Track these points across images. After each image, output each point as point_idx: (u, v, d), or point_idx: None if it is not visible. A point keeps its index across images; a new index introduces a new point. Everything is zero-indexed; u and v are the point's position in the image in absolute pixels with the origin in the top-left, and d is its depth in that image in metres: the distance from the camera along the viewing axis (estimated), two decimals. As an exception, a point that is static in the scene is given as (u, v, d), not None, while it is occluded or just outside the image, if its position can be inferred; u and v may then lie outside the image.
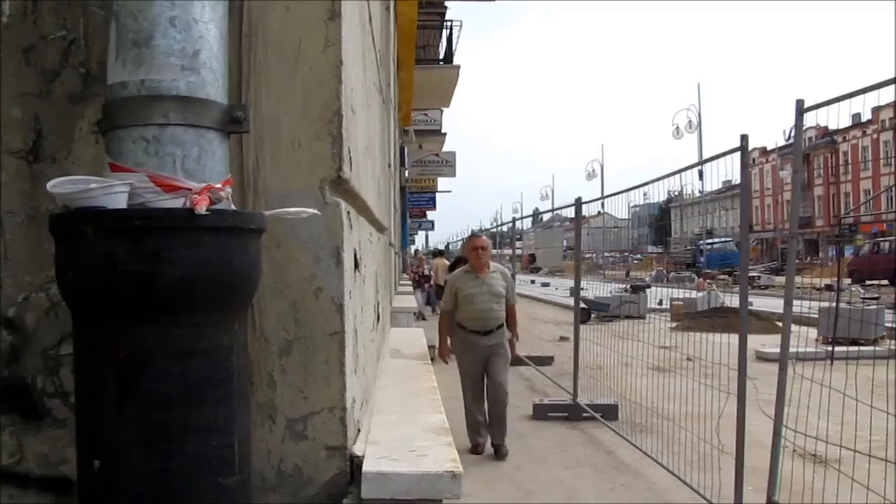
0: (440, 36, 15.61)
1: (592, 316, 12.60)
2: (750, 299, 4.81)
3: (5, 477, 1.54)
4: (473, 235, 7.32)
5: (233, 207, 1.30)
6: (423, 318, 16.84)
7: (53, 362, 1.55)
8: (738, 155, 4.56)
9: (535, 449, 6.06)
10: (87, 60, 1.55)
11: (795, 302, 4.30)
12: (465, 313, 6.11)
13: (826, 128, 46.76)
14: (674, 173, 6.11)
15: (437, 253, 24.96)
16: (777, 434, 4.10)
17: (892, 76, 3.50)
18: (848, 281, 16.62)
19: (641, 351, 6.94)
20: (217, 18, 1.25)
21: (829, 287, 11.62)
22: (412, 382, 2.91)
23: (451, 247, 26.57)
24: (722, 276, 24.96)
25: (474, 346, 6.08)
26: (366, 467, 1.60)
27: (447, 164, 21.13)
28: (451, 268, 12.04)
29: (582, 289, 8.52)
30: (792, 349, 4.19)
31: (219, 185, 1.20)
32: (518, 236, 18.49)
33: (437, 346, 6.20)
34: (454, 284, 6.26)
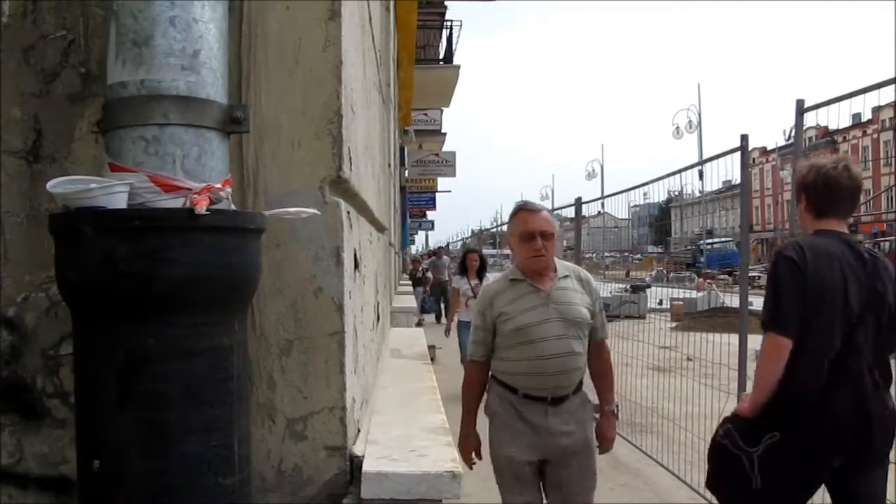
0: (440, 36, 15.62)
1: (592, 316, 12.57)
2: (750, 299, 4.81)
3: (5, 477, 1.54)
4: (523, 208, 3.13)
5: (233, 207, 1.30)
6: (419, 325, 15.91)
7: (53, 362, 1.55)
8: (738, 155, 4.56)
9: (535, 449, 6.05)
10: (87, 60, 1.55)
11: (795, 302, 4.29)
12: (514, 363, 2.93)
13: (826, 128, 46.62)
14: (674, 173, 6.10)
15: (432, 253, 22.87)
16: (777, 434, 4.10)
17: (892, 76, 3.50)
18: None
19: (641, 351, 6.93)
20: (217, 18, 1.25)
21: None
22: (412, 382, 2.91)
23: (450, 247, 26.25)
24: (722, 276, 24.96)
25: (530, 429, 2.89)
26: (366, 467, 1.60)
27: (447, 164, 21.11)
28: (461, 269, 8.70)
29: (582, 289, 8.50)
30: (792, 349, 4.18)
31: (219, 185, 1.20)
32: (518, 236, 18.30)
33: (460, 426, 3.02)
34: (490, 303, 2.99)
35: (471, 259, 8.62)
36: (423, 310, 17.53)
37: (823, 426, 2.37)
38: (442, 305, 17.14)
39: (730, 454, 2.51)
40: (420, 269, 18.55)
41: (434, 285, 17.92)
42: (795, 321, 2.40)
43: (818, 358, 2.41)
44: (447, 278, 16.69)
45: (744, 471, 2.45)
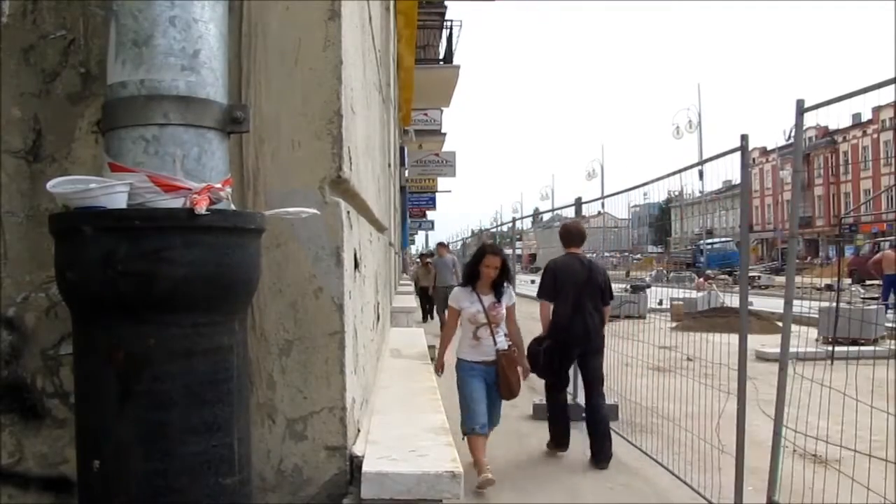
0: (440, 36, 15.61)
1: (592, 316, 12.55)
2: (750, 299, 4.80)
3: (5, 477, 1.54)
4: None
5: (233, 207, 1.30)
6: None
7: (53, 362, 1.55)
8: (738, 155, 4.55)
9: (535, 449, 6.05)
10: (87, 60, 1.55)
11: (795, 302, 4.29)
12: None
13: (826, 128, 46.78)
14: (674, 173, 6.10)
15: (428, 255, 19.49)
16: (777, 434, 4.09)
17: (892, 76, 3.50)
18: (848, 281, 16.64)
19: (641, 351, 6.92)
20: (217, 18, 1.25)
21: (829, 287, 11.63)
22: (412, 382, 2.91)
23: (450, 247, 25.82)
24: (722, 276, 24.96)
25: None
26: (366, 467, 1.60)
27: (447, 164, 21.10)
28: (470, 276, 5.04)
29: (582, 289, 8.50)
30: (792, 349, 4.18)
31: (219, 185, 1.20)
32: (518, 236, 18.10)
33: None
34: None
35: (488, 263, 4.98)
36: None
37: (569, 334, 5.53)
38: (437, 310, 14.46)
39: (533, 350, 5.52)
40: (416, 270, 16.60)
41: (434, 290, 14.64)
42: (550, 294, 5.65)
43: (564, 308, 5.55)
44: (454, 283, 13.73)
45: (538, 357, 5.49)
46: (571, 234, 5.90)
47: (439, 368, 5.04)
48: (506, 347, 4.96)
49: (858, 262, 25.87)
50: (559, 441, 5.78)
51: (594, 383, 5.67)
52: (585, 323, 5.52)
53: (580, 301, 5.51)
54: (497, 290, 5.01)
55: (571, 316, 5.49)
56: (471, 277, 5.09)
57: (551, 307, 5.62)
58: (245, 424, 1.25)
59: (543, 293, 5.71)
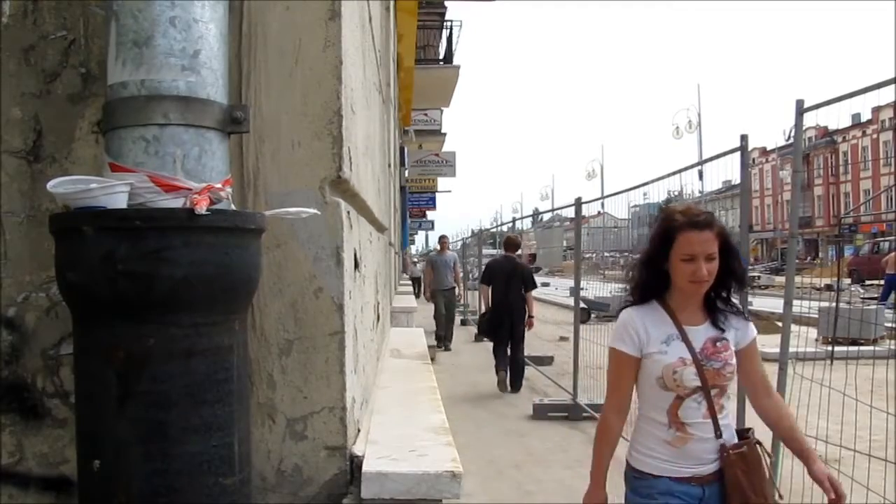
0: (440, 36, 15.61)
1: (592, 316, 12.56)
2: (750, 299, 4.79)
3: (5, 476, 1.54)
4: None
5: (233, 207, 1.30)
6: None
7: (53, 362, 1.55)
8: (738, 155, 4.55)
9: (535, 449, 6.05)
10: (87, 60, 1.56)
11: (795, 302, 4.29)
12: None
13: (826, 128, 46.78)
14: (674, 173, 6.10)
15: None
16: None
17: (892, 76, 3.50)
18: (848, 281, 16.64)
19: (641, 351, 6.93)
20: (217, 18, 1.25)
21: (829, 287, 11.62)
22: (412, 382, 2.91)
23: (450, 247, 25.55)
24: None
25: None
26: (366, 467, 1.60)
27: (447, 164, 21.10)
28: (647, 289, 1.91)
29: (582, 289, 8.50)
30: (792, 349, 4.18)
31: (219, 185, 1.20)
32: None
33: None
34: None
35: (688, 251, 2.12)
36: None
37: (500, 308, 8.59)
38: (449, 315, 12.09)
39: (480, 320, 9.74)
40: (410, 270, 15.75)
41: (432, 294, 12.37)
42: (488, 281, 8.88)
43: (496, 289, 8.67)
44: (451, 284, 12.27)
45: (482, 323, 9.47)
46: (509, 243, 9.39)
47: None
48: (737, 441, 2.21)
49: (858, 261, 25.87)
50: (501, 380, 8.48)
51: (518, 342, 8.63)
52: (510, 301, 8.54)
53: (507, 286, 8.55)
54: (715, 311, 2.30)
55: (501, 296, 8.58)
56: (647, 287, 2.30)
57: (489, 290, 8.74)
58: (245, 424, 1.25)
59: (483, 281, 9.12)
